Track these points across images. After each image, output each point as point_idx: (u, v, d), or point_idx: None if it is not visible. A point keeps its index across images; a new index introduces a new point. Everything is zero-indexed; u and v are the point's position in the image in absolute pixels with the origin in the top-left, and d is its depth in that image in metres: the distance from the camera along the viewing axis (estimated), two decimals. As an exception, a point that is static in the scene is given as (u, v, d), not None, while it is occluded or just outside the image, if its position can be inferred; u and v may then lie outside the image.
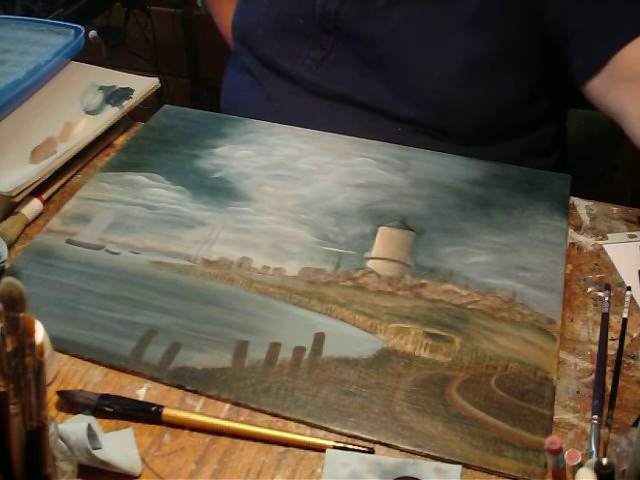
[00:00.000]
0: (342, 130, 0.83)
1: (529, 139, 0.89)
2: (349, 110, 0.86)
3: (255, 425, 0.53)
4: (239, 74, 0.97)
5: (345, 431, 0.53)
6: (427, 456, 0.51)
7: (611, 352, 0.58)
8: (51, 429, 0.42)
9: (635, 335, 0.60)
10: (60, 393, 0.55)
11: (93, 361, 0.58)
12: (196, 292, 0.64)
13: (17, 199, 0.72)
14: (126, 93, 0.86)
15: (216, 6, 1.11)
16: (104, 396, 0.54)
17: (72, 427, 0.48)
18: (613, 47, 0.75)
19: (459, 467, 0.50)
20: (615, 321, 0.61)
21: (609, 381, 0.56)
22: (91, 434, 0.49)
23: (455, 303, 0.63)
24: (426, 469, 0.49)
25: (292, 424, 0.54)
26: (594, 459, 0.44)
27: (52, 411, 0.54)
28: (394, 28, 0.82)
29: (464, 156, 0.79)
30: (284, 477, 0.50)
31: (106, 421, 0.53)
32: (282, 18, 0.89)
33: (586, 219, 0.72)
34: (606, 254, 0.68)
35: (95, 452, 0.48)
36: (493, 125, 0.86)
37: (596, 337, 0.60)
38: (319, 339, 0.60)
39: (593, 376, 0.57)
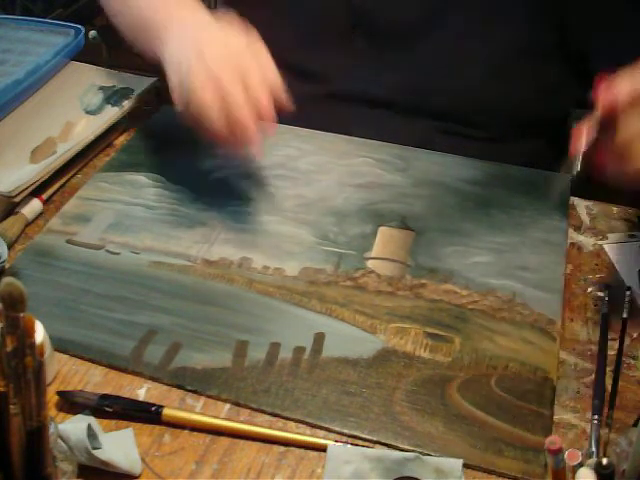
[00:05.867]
0: (369, 132, 0.81)
1: (555, 136, 0.89)
2: (376, 112, 0.85)
3: (255, 425, 0.53)
4: None
5: (345, 431, 0.53)
6: (427, 456, 0.51)
7: (611, 352, 0.58)
8: (51, 429, 0.41)
9: (635, 335, 0.60)
10: (60, 393, 0.55)
11: (93, 361, 0.58)
12: (196, 292, 0.64)
13: (17, 199, 0.72)
14: (126, 93, 0.86)
15: None
16: (104, 396, 0.54)
17: (72, 427, 0.48)
18: None
19: (460, 461, 0.50)
20: (615, 321, 0.61)
21: (609, 381, 0.56)
22: (91, 434, 0.49)
23: (455, 303, 0.63)
24: (427, 467, 0.49)
25: (292, 424, 0.54)
26: (594, 459, 0.44)
27: (52, 411, 0.54)
28: (429, 15, 0.80)
29: (481, 157, 0.79)
30: (284, 477, 0.50)
31: (106, 421, 0.53)
32: (303, 27, 0.86)
33: (586, 219, 0.72)
34: (606, 254, 0.68)
35: (95, 452, 0.48)
36: (529, 114, 0.85)
37: (596, 337, 0.60)
38: (319, 339, 0.59)
39: (593, 376, 0.57)
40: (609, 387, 0.56)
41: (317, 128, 0.83)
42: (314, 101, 0.86)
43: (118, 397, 0.55)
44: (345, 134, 0.82)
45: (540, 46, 0.81)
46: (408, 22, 0.82)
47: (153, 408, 0.54)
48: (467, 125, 0.84)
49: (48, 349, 0.56)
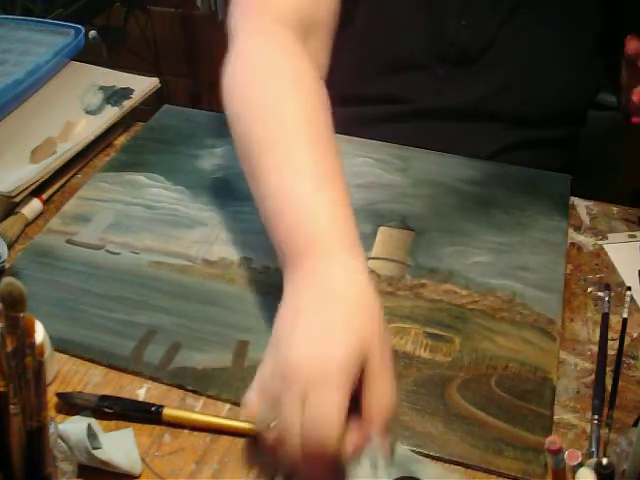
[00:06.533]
0: (450, 145, 0.81)
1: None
2: (454, 124, 0.85)
3: (255, 425, 0.53)
4: None
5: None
6: (427, 456, 0.51)
7: (611, 352, 0.58)
8: (51, 429, 0.42)
9: (635, 335, 0.60)
10: (59, 395, 0.54)
11: (93, 361, 0.58)
12: (196, 292, 0.64)
13: (17, 199, 0.72)
14: (126, 93, 0.86)
15: None
16: (103, 397, 0.54)
17: (72, 427, 0.48)
18: None
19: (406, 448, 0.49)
20: (615, 321, 0.61)
21: (609, 381, 0.56)
22: (91, 434, 0.49)
23: (455, 303, 0.63)
24: (427, 467, 0.49)
25: (292, 424, 0.54)
26: (594, 459, 0.44)
27: (52, 411, 0.54)
28: (515, 34, 0.81)
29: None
30: (284, 477, 0.50)
31: (106, 421, 0.53)
32: (389, 61, 0.85)
33: (586, 219, 0.72)
34: (606, 254, 0.68)
35: (95, 452, 0.48)
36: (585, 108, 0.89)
37: (596, 337, 0.60)
38: (319, 339, 0.59)
39: (593, 376, 0.57)
40: (609, 387, 0.56)
41: (403, 143, 0.82)
42: (396, 119, 0.86)
43: (118, 398, 0.55)
44: (428, 147, 0.81)
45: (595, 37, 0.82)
46: (489, 47, 0.81)
47: (153, 408, 0.54)
48: (545, 126, 0.85)
49: (48, 349, 0.56)
